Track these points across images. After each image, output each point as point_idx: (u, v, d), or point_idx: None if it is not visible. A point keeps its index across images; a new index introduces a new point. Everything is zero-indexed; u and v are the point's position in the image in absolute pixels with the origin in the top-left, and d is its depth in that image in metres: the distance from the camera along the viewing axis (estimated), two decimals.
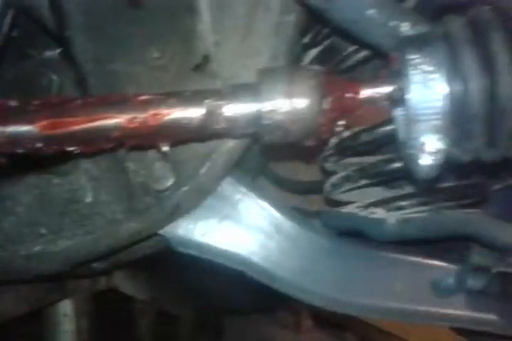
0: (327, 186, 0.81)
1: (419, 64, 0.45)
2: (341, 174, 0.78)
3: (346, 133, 0.75)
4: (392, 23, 0.51)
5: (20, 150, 0.58)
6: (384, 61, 0.52)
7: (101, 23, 0.74)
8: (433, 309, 0.79)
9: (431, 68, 0.45)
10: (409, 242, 0.80)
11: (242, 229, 0.78)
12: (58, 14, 0.76)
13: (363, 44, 0.56)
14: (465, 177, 0.74)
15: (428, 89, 0.45)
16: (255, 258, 0.78)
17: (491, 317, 0.78)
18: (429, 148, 0.46)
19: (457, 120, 0.45)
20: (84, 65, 0.74)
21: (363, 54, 0.64)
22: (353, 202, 0.79)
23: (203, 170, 0.72)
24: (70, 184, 0.76)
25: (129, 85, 0.72)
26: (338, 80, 0.54)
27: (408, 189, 0.74)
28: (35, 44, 0.92)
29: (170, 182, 0.72)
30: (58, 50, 0.92)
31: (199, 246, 0.77)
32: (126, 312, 1.68)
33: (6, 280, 0.82)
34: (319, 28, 0.70)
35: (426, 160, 0.47)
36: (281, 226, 0.80)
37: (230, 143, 0.72)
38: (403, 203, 0.72)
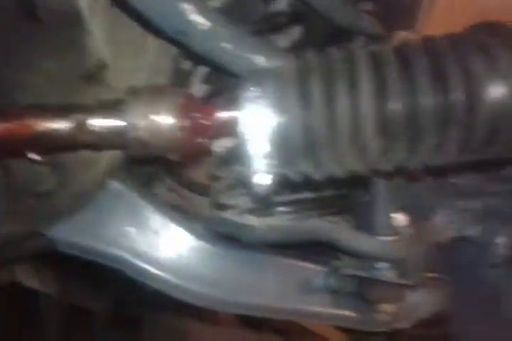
0: (212, 191, 0.87)
1: (253, 97, 0.51)
2: (224, 181, 0.85)
3: (229, 143, 0.81)
4: (247, 56, 0.57)
5: None
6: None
7: None
8: (300, 306, 0.87)
9: (262, 102, 0.51)
10: (284, 246, 0.88)
11: (123, 230, 0.82)
12: None
13: (225, 71, 0.62)
14: (330, 189, 0.83)
15: (258, 120, 0.52)
16: (137, 260, 0.82)
17: (350, 314, 0.87)
18: (261, 170, 0.53)
19: (281, 147, 0.52)
20: None
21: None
22: (233, 207, 0.85)
23: (84, 174, 0.76)
24: None
25: (24, 95, 0.73)
26: (195, 103, 0.60)
27: (279, 198, 0.82)
28: None
29: (51, 184, 0.75)
30: None
31: (80, 246, 0.80)
32: (33, 307, 1.66)
33: None
34: None
35: (259, 180, 0.54)
36: (164, 229, 0.85)
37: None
38: (272, 211, 0.80)
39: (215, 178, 0.89)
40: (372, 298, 0.80)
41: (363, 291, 0.80)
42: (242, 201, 0.86)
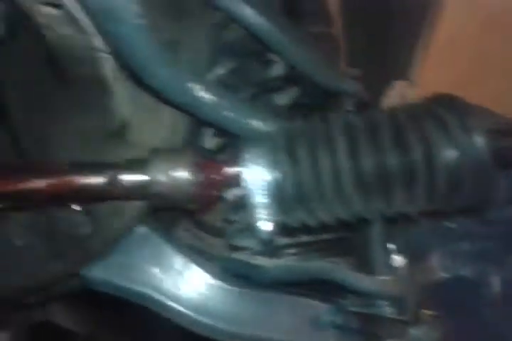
0: (227, 233, 0.97)
1: (253, 157, 0.62)
2: (237, 225, 0.94)
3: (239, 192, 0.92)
4: (246, 121, 0.69)
5: None
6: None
7: (35, 94, 0.89)
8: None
9: (259, 161, 0.62)
10: (293, 284, 0.96)
11: (149, 270, 0.92)
12: None
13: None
14: (332, 232, 0.92)
15: (257, 176, 0.62)
16: (159, 296, 0.92)
17: None
18: (262, 218, 0.63)
19: (278, 199, 0.62)
20: (18, 129, 0.89)
21: None
22: (245, 249, 0.95)
23: (116, 221, 0.87)
24: (2, 229, 0.89)
25: (59, 150, 0.87)
26: (207, 160, 0.71)
27: (286, 240, 0.91)
28: None
29: (88, 230, 0.86)
30: None
31: (111, 285, 0.90)
32: None
33: None
34: None
35: (262, 226, 0.64)
36: (185, 269, 0.94)
37: None
38: (280, 252, 0.89)
39: (228, 222, 0.99)
40: (376, 334, 0.86)
41: (367, 327, 0.87)
42: (253, 243, 0.96)
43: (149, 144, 0.86)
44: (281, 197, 0.62)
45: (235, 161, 0.66)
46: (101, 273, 0.91)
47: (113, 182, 0.70)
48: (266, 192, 0.62)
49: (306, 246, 0.90)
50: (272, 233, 0.65)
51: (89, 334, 1.79)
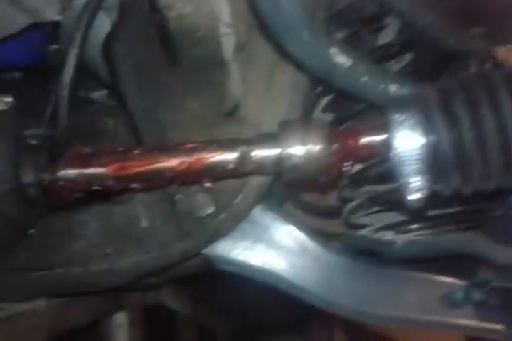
0: (345, 212, 0.93)
1: (402, 121, 0.58)
2: (356, 201, 0.91)
3: (360, 166, 0.88)
4: (382, 86, 0.64)
5: (94, 188, 0.74)
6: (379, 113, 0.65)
7: (148, 79, 0.90)
8: (443, 319, 0.89)
9: (411, 124, 0.58)
10: (420, 260, 0.91)
11: (272, 248, 0.91)
12: (112, 72, 0.93)
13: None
14: (466, 204, 0.85)
15: (409, 141, 0.58)
16: (284, 274, 0.91)
17: (497, 326, 0.87)
18: (414, 186, 0.59)
19: (433, 164, 0.58)
20: (135, 114, 0.90)
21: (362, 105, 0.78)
22: (367, 226, 0.91)
23: (237, 201, 0.86)
24: (128, 211, 0.91)
25: (173, 131, 0.87)
26: (342, 130, 0.67)
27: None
28: (83, 84, 1.08)
29: (210, 210, 0.86)
30: (105, 92, 1.09)
31: (235, 263, 0.90)
32: (172, 326, 1.81)
33: (77, 292, 0.98)
34: None
35: (413, 195, 0.59)
36: (306, 247, 0.93)
37: (260, 178, 0.86)
38: (410, 227, 0.84)
39: (345, 200, 0.96)
40: None
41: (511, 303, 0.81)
42: (376, 219, 0.92)
43: (264, 122, 0.84)
44: (437, 163, 0.58)
45: (375, 129, 0.62)
46: (224, 252, 0.91)
47: (245, 158, 0.69)
48: (419, 158, 0.58)
49: (436, 220, 0.85)
50: (422, 202, 0.60)
51: (192, 315, 1.84)
